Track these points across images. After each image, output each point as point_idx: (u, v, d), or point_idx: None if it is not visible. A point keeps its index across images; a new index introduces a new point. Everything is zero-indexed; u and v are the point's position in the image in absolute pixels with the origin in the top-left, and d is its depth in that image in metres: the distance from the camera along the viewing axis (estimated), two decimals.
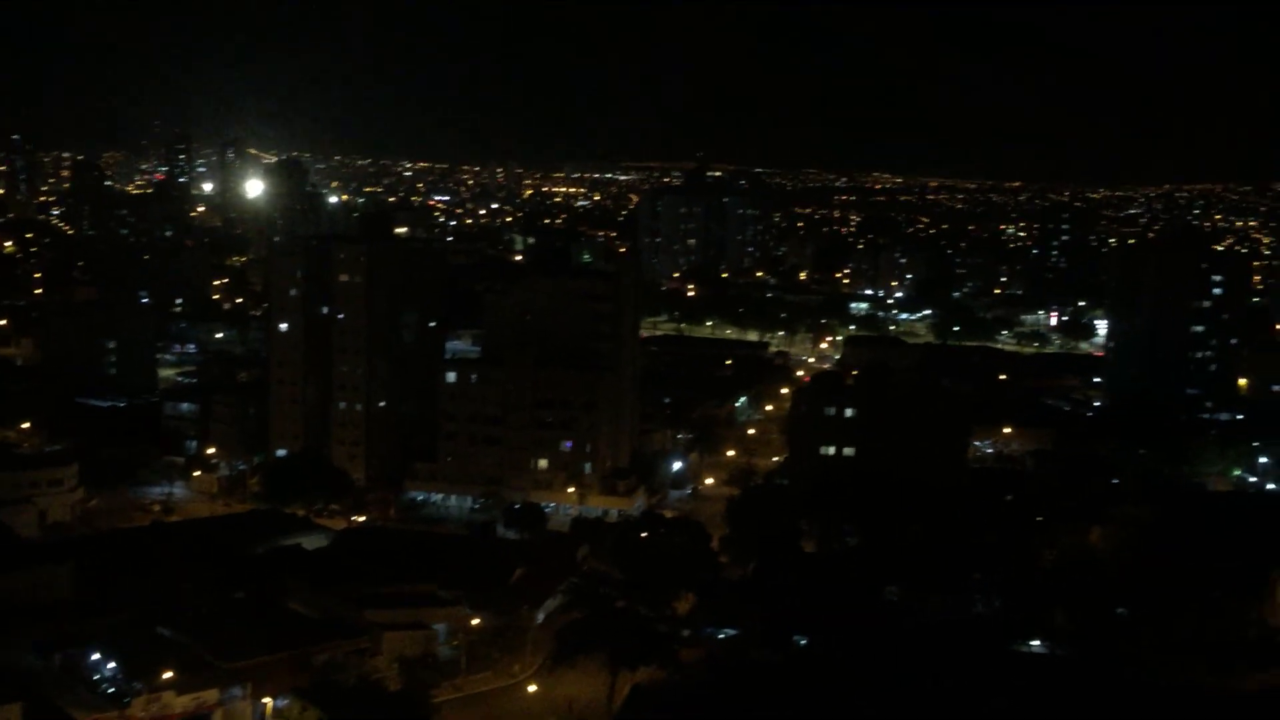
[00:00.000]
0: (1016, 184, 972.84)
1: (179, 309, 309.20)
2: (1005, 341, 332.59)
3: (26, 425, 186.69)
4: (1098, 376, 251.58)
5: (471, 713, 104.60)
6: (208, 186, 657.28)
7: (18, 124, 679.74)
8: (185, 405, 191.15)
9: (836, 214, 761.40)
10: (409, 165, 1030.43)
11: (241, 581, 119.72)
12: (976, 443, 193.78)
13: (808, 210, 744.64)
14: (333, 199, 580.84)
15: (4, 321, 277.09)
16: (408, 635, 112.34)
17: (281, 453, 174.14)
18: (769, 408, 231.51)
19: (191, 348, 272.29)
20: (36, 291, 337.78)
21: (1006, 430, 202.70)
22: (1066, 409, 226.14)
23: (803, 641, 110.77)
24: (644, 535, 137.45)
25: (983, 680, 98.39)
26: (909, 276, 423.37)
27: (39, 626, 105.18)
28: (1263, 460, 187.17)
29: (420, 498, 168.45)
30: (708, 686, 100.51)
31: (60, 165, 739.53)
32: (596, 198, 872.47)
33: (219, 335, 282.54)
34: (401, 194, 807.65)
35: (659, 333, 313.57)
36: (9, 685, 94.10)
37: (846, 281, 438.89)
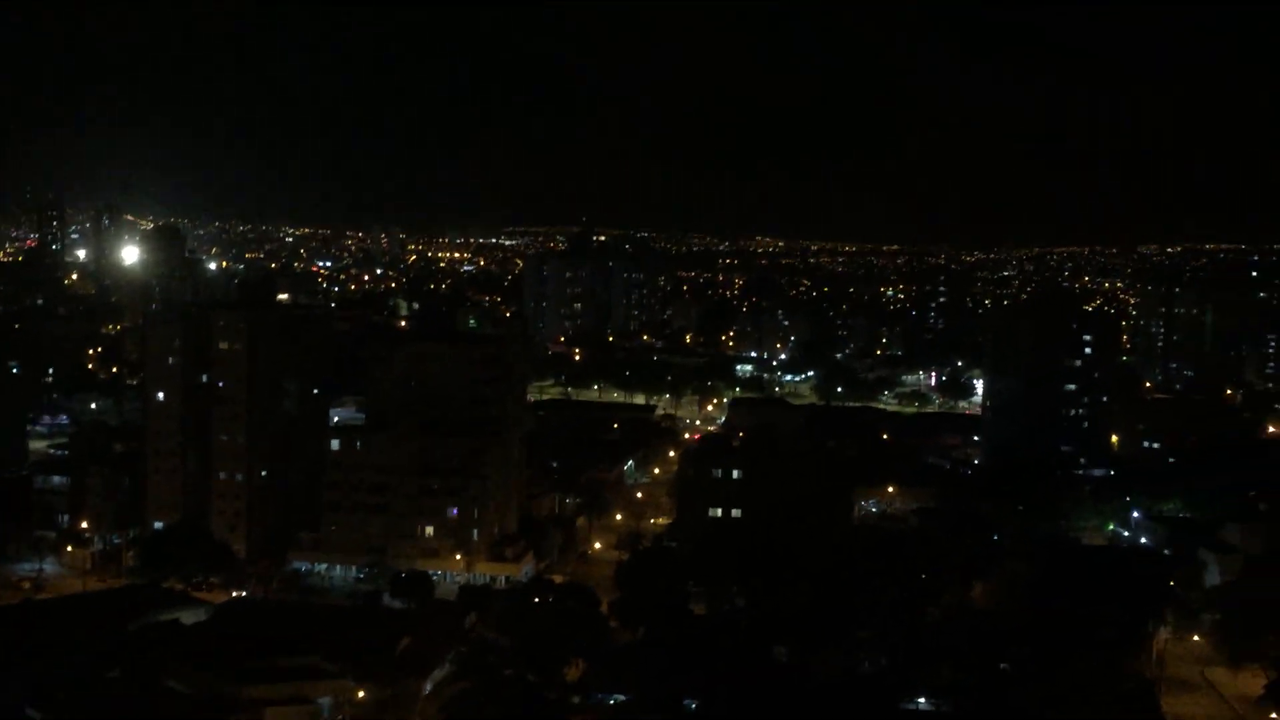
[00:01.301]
0: (894, 247, 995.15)
1: (51, 379, 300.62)
2: (887, 401, 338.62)
3: None
4: (976, 435, 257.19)
5: None
6: (81, 253, 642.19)
7: None
8: (57, 478, 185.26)
9: (721, 277, 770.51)
10: (290, 230, 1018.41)
11: (116, 660, 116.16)
12: (861, 502, 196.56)
13: (692, 274, 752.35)
14: (212, 265, 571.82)
15: None
16: (291, 710, 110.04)
17: (158, 525, 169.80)
18: (657, 470, 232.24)
19: (64, 419, 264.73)
20: None
21: (890, 489, 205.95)
22: (947, 467, 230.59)
23: (693, 705, 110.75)
24: (533, 601, 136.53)
25: None
26: (792, 338, 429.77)
27: None
28: (1134, 515, 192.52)
29: (304, 568, 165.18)
30: None
31: None
32: (481, 262, 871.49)
33: (93, 405, 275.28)
34: (283, 260, 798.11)
35: (546, 396, 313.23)
36: None
37: (731, 344, 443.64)
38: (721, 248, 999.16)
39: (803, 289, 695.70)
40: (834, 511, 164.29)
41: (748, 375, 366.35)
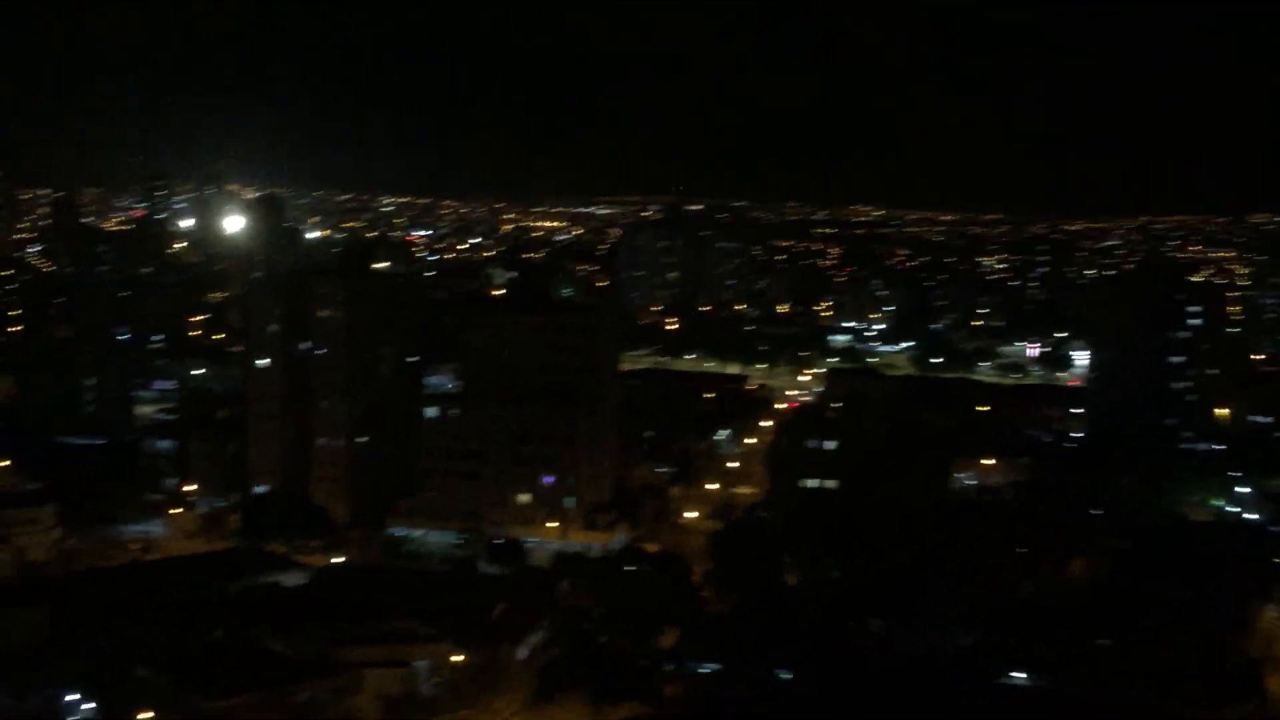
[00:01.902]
0: (995, 216, 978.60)
1: (158, 346, 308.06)
2: (985, 373, 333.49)
3: (4, 464, 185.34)
4: (1077, 407, 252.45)
5: None
6: (186, 223, 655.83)
7: None
8: (164, 443, 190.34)
9: (816, 246, 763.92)
10: (389, 200, 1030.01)
11: (220, 620, 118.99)
12: (957, 474, 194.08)
13: (788, 243, 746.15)
14: (312, 234, 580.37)
15: None
16: (388, 673, 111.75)
17: (261, 490, 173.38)
18: (750, 441, 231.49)
19: (170, 385, 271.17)
20: (14, 330, 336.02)
21: (987, 462, 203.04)
22: (1047, 440, 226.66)
23: (785, 676, 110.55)
24: (626, 570, 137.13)
25: (967, 714, 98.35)
26: (888, 308, 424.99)
27: (15, 668, 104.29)
28: (1241, 490, 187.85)
29: (400, 534, 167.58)
30: None
31: (38, 203, 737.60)
32: (577, 232, 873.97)
33: (198, 372, 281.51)
34: (381, 229, 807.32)
35: (639, 366, 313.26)
36: None
37: (826, 314, 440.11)
38: (818, 217, 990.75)
39: (899, 258, 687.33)
40: (929, 483, 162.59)
41: (842, 346, 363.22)
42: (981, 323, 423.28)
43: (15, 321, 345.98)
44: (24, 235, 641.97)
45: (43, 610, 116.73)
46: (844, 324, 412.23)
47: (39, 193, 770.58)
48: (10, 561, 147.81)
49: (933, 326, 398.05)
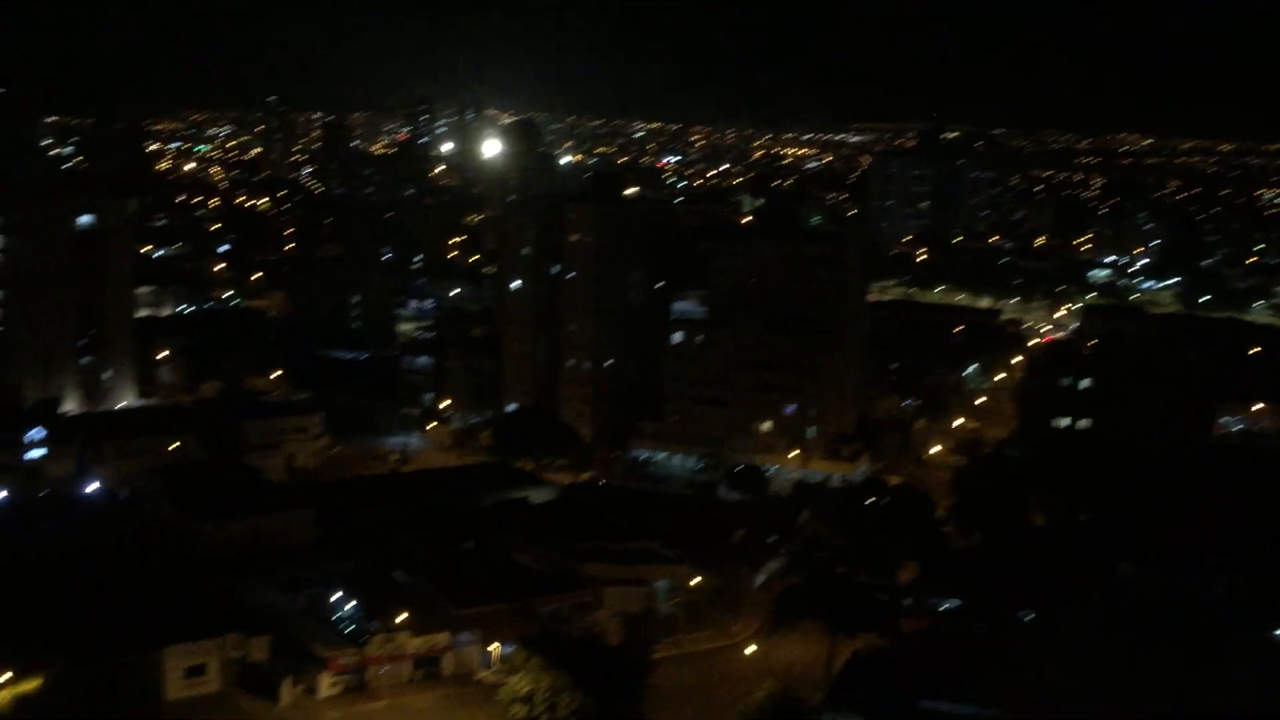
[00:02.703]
0: (1277, 146, 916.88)
1: (418, 266, 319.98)
2: (1259, 313, 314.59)
3: (276, 375, 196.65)
4: None
5: (689, 671, 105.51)
6: (447, 146, 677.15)
7: (272, 86, 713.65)
8: (422, 359, 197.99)
9: (1078, 177, 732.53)
10: (640, 126, 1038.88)
11: (471, 531, 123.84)
12: (1223, 419, 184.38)
13: (1047, 173, 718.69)
14: (565, 159, 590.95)
15: (259, 276, 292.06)
16: (628, 591, 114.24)
17: (512, 408, 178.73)
18: (1000, 377, 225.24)
19: (429, 304, 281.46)
20: (288, 248, 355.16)
21: (1257, 406, 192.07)
22: None
23: (1028, 616, 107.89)
24: (867, 501, 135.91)
25: (1228, 667, 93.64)
26: (1154, 243, 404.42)
27: (286, 566, 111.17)
28: None
29: (644, 456, 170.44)
30: (929, 657, 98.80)
31: (311, 126, 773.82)
32: (826, 159, 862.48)
33: (455, 292, 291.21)
34: (632, 154, 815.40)
35: (887, 298, 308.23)
36: (259, 620, 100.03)
37: (1086, 248, 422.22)
38: (1081, 145, 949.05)
39: (1168, 190, 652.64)
40: (1191, 427, 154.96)
41: (1102, 281, 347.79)
42: (1257, 259, 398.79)
43: (288, 240, 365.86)
44: (297, 157, 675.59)
45: (310, 513, 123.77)
46: (1105, 259, 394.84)
47: (311, 116, 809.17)
48: (281, 466, 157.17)
49: (1203, 263, 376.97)
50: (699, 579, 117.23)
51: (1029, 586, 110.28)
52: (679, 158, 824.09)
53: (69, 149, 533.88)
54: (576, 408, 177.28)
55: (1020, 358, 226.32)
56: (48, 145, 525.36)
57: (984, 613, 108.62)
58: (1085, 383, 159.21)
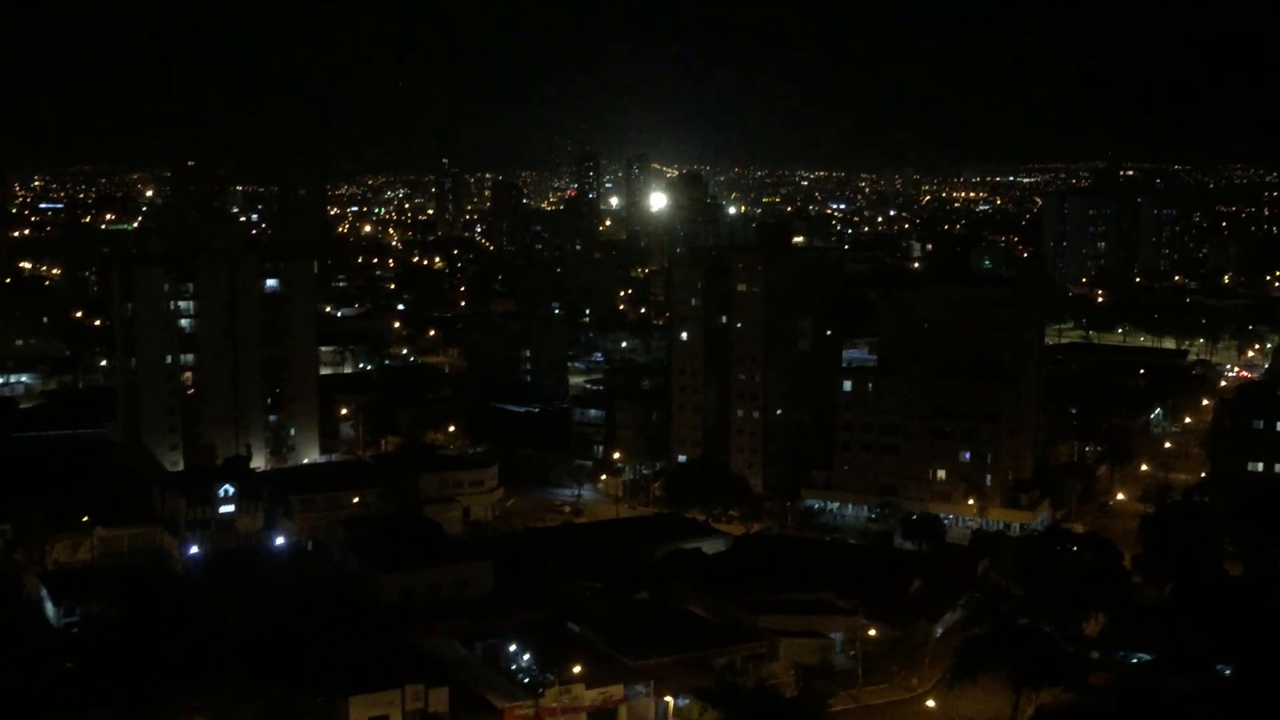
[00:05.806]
0: None
1: (587, 319, 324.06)
2: None
3: (452, 429, 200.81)
4: None
5: None
6: (614, 201, 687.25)
7: (444, 148, 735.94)
8: (593, 411, 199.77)
9: (1267, 211, 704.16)
10: (805, 174, 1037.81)
11: (644, 582, 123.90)
12: None
13: (1233, 209, 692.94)
14: (731, 210, 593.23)
15: (434, 332, 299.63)
16: (804, 642, 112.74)
17: (682, 459, 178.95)
18: (1187, 420, 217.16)
19: (598, 356, 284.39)
20: (462, 304, 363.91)
21: None
22: None
23: (1227, 670, 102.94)
24: (1049, 550, 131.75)
25: None
26: None
27: (464, 618, 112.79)
28: None
29: (816, 506, 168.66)
30: (1119, 714, 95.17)
31: (482, 186, 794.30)
32: (997, 201, 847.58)
33: (624, 344, 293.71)
34: (799, 203, 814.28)
35: (1065, 340, 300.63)
36: (438, 671, 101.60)
37: (1277, 285, 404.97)
38: (1269, 179, 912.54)
39: None
40: None
41: None
42: None
43: (462, 296, 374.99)
44: (469, 216, 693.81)
45: (488, 565, 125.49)
46: None
47: (483, 176, 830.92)
48: (458, 518, 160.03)
49: None
50: (876, 630, 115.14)
51: (1227, 639, 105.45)
52: (846, 205, 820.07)
53: (255, 215, 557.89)
54: (746, 458, 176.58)
55: (1208, 400, 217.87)
56: (236, 213, 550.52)
57: (1179, 666, 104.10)
58: None
